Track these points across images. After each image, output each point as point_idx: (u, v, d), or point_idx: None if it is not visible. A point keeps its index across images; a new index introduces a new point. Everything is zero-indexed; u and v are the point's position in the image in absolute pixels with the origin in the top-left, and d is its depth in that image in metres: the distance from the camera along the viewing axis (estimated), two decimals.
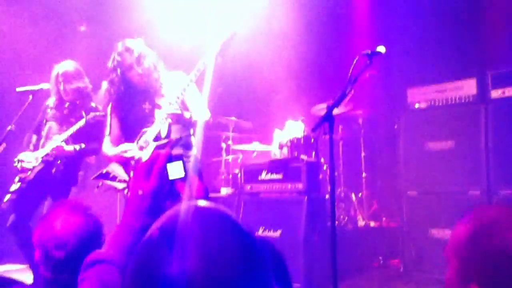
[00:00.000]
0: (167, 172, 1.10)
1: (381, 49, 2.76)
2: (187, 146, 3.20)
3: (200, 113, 3.21)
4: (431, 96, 4.20)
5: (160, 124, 3.05)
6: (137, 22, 5.94)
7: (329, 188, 4.32)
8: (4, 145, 3.66)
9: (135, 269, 0.68)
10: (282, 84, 6.16)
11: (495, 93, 3.82)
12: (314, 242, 3.89)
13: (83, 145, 3.67)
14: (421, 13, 5.27)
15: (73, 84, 3.71)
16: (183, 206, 0.73)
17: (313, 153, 4.63)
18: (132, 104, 3.20)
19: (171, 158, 1.10)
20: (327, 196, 4.31)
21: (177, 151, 3.01)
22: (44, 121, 3.81)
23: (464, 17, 5.02)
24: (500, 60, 4.28)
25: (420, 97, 4.27)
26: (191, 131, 3.18)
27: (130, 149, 3.07)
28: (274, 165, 4.40)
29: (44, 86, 3.79)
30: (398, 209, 4.47)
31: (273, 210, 4.20)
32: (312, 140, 4.67)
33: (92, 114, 3.59)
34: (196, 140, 3.24)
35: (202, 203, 0.74)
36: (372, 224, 5.14)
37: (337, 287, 2.54)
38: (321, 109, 5.33)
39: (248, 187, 4.52)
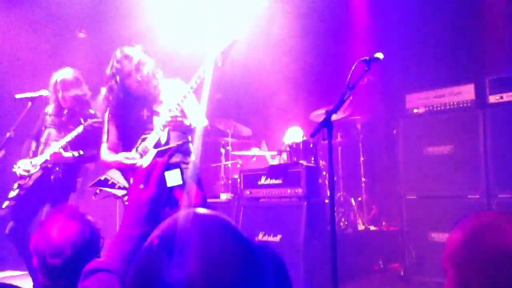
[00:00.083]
0: (165, 180, 1.10)
1: (379, 55, 2.77)
2: (186, 153, 3.21)
3: (198, 120, 3.21)
4: (430, 101, 4.21)
5: (160, 131, 3.05)
6: (136, 28, 5.96)
7: (328, 193, 4.34)
8: (3, 151, 3.67)
9: (135, 276, 0.69)
10: (281, 90, 6.18)
11: (493, 98, 3.84)
12: (314, 247, 3.89)
13: (81, 152, 3.67)
14: (419, 19, 5.29)
15: (71, 91, 3.72)
16: (182, 214, 0.73)
17: (312, 158, 4.64)
18: (130, 111, 3.21)
19: (169, 166, 1.11)
20: (326, 201, 4.31)
21: (175, 158, 3.01)
22: (43, 128, 3.82)
23: (462, 23, 5.04)
24: (498, 65, 4.30)
25: (418, 102, 4.28)
26: (189, 138, 3.19)
27: (131, 156, 3.07)
28: (274, 170, 4.40)
29: (43, 93, 3.80)
30: (397, 213, 4.47)
31: (273, 215, 4.21)
32: (311, 145, 4.68)
33: (90, 121, 3.60)
34: (195, 146, 3.25)
35: (201, 210, 0.75)
36: (372, 228, 5.15)
37: None
38: (319, 114, 5.35)
39: (247, 192, 4.52)
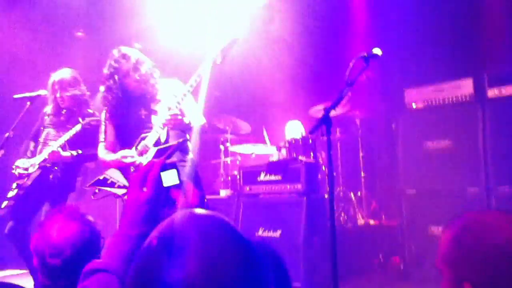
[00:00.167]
0: (162, 180, 1.11)
1: (378, 51, 2.77)
2: (185, 151, 3.22)
3: (196, 119, 3.22)
4: (429, 96, 4.21)
5: (160, 129, 3.06)
6: (135, 28, 5.96)
7: (328, 188, 4.35)
8: (2, 151, 3.67)
9: (134, 277, 0.69)
10: (280, 86, 6.18)
11: (492, 93, 3.84)
12: (314, 242, 3.91)
13: (80, 151, 3.67)
14: (418, 14, 5.28)
15: (69, 91, 3.72)
16: (181, 214, 0.74)
17: (312, 154, 4.64)
18: (128, 110, 3.21)
19: (165, 166, 1.12)
20: (326, 196, 4.32)
21: (173, 157, 3.02)
22: (42, 128, 3.82)
23: (461, 17, 5.03)
24: (496, 60, 4.30)
25: (417, 97, 4.28)
26: (187, 136, 3.19)
27: (130, 155, 3.07)
28: (273, 167, 4.41)
29: (42, 92, 3.80)
30: (397, 208, 4.48)
31: (273, 211, 4.22)
32: (310, 141, 4.69)
33: (87, 119, 3.60)
34: (192, 144, 3.26)
35: (199, 210, 0.75)
36: (371, 222, 5.16)
37: (337, 286, 2.55)
38: (318, 110, 5.36)
39: (247, 188, 4.53)
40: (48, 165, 3.66)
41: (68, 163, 3.68)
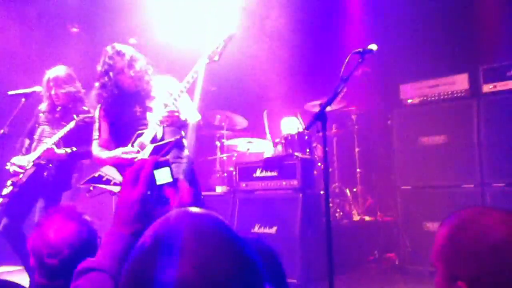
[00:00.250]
0: (155, 178, 1.10)
1: (373, 47, 2.78)
2: (181, 148, 3.21)
3: (192, 115, 3.22)
4: (424, 91, 4.22)
5: (156, 127, 3.05)
6: (131, 23, 5.92)
7: (323, 184, 4.36)
8: None
9: (128, 276, 0.69)
10: (275, 81, 6.17)
11: (487, 88, 3.85)
12: (310, 238, 3.92)
13: (74, 148, 3.66)
14: (413, 9, 5.28)
15: (64, 88, 3.71)
16: (175, 213, 0.73)
17: (307, 150, 4.65)
18: (123, 107, 3.19)
19: (158, 164, 1.11)
20: (322, 192, 4.33)
21: (169, 154, 3.02)
22: (37, 125, 3.81)
23: (456, 13, 5.04)
24: (491, 55, 4.30)
25: (412, 93, 4.29)
26: (183, 133, 3.18)
27: (128, 151, 3.06)
28: (269, 163, 4.41)
29: (37, 89, 3.78)
30: (392, 204, 4.50)
31: (269, 207, 4.22)
32: (306, 137, 4.69)
33: (82, 116, 3.58)
34: (188, 141, 3.26)
35: (194, 209, 0.75)
36: (367, 218, 5.17)
37: (332, 282, 2.56)
38: (314, 105, 5.36)
39: (243, 185, 4.54)
40: (42, 162, 3.65)
41: (62, 160, 3.66)
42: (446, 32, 5.10)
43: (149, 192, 1.09)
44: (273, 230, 4.08)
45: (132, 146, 3.08)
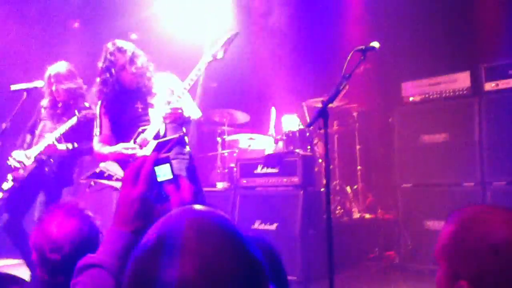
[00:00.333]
0: (155, 175, 1.10)
1: (375, 44, 2.78)
2: (183, 144, 3.22)
3: (194, 112, 3.22)
4: (425, 89, 4.21)
5: (159, 123, 3.05)
6: (133, 19, 5.92)
7: (324, 181, 4.36)
8: None
9: (131, 275, 0.69)
10: (277, 78, 6.17)
11: (489, 86, 3.84)
12: (310, 235, 3.92)
13: (76, 144, 3.66)
14: (415, 7, 5.27)
15: (65, 85, 3.70)
16: (179, 211, 0.73)
17: (308, 147, 4.65)
18: (124, 104, 3.19)
19: (158, 161, 1.11)
20: (322, 189, 4.33)
21: (171, 151, 3.02)
22: (38, 120, 3.81)
23: (458, 10, 5.02)
24: (493, 53, 4.29)
25: (414, 91, 4.28)
26: (184, 129, 3.18)
27: (130, 147, 3.05)
28: (270, 159, 4.41)
29: (38, 84, 3.77)
30: (393, 201, 4.50)
31: (269, 204, 4.23)
32: (308, 134, 4.69)
33: (83, 112, 3.58)
34: (189, 138, 3.27)
35: (198, 207, 0.74)
36: (367, 216, 5.18)
37: (333, 280, 2.57)
38: (315, 101, 5.36)
39: (244, 181, 4.54)
40: (43, 157, 3.65)
41: (64, 156, 3.66)
42: (448, 30, 5.09)
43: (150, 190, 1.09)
44: (274, 227, 4.09)
45: (135, 142, 3.09)
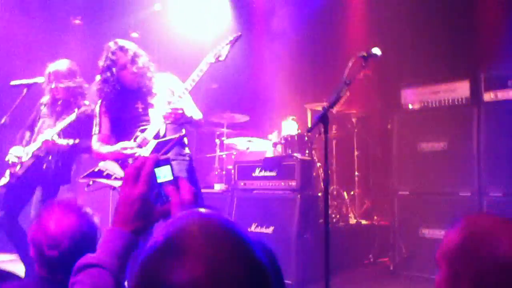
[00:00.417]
0: (155, 177, 1.11)
1: (377, 51, 2.79)
2: (183, 145, 3.22)
3: (194, 113, 3.22)
4: (425, 97, 4.23)
5: (160, 123, 3.05)
6: (133, 17, 5.92)
7: (322, 185, 4.37)
8: None
9: (139, 277, 0.69)
10: (278, 80, 6.19)
11: (488, 96, 3.86)
12: (306, 239, 3.93)
13: (77, 141, 3.65)
14: (417, 13, 5.29)
15: (64, 83, 3.70)
16: (187, 214, 0.73)
17: (307, 151, 4.66)
18: (125, 103, 3.19)
19: (159, 163, 1.12)
20: (320, 194, 4.34)
21: (171, 152, 3.03)
22: (38, 118, 3.80)
23: (459, 17, 5.05)
24: (493, 63, 4.31)
25: (413, 98, 4.30)
26: (183, 130, 3.18)
27: (130, 147, 3.05)
28: (268, 163, 4.42)
29: (39, 80, 3.77)
30: (389, 208, 4.51)
31: (267, 207, 4.23)
32: (306, 138, 4.70)
33: (83, 109, 3.57)
34: (188, 139, 3.28)
35: (206, 211, 0.75)
36: (363, 222, 5.19)
37: (329, 284, 2.57)
38: (315, 106, 5.39)
39: (241, 183, 4.54)
40: (41, 154, 3.64)
41: (63, 153, 3.64)
42: (449, 38, 5.11)
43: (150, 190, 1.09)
44: (270, 230, 4.09)
45: (135, 141, 3.09)
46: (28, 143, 3.74)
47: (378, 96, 5.67)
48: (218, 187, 5.14)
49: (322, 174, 4.53)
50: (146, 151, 3.01)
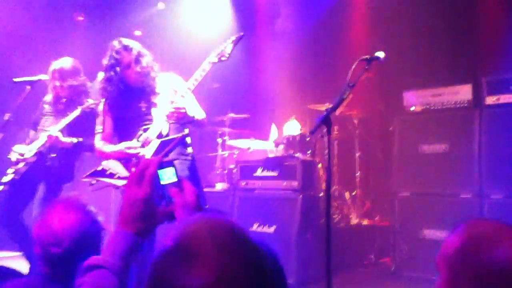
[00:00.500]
0: (159, 178, 1.12)
1: (380, 54, 2.80)
2: (185, 144, 3.23)
3: (197, 113, 3.23)
4: (427, 99, 4.24)
5: (163, 122, 3.06)
6: (137, 14, 5.92)
7: (323, 185, 4.38)
8: (1, 135, 3.65)
9: (150, 281, 0.70)
10: (280, 81, 6.19)
11: (490, 100, 3.86)
12: (307, 239, 3.94)
13: (80, 139, 3.66)
14: (419, 15, 5.30)
15: (68, 81, 3.71)
16: (196, 219, 0.74)
17: (309, 151, 4.67)
18: (128, 102, 3.19)
19: (162, 164, 1.13)
20: (321, 194, 4.36)
21: (174, 151, 3.03)
22: (41, 116, 3.81)
23: (462, 21, 5.05)
24: (496, 66, 4.32)
25: (416, 100, 4.31)
26: (186, 130, 3.19)
27: (133, 146, 3.06)
28: (270, 163, 4.43)
29: (42, 77, 3.76)
30: (390, 209, 4.52)
31: (268, 206, 4.25)
32: (308, 139, 4.71)
33: (87, 104, 3.58)
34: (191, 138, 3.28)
35: (215, 215, 0.76)
36: (364, 222, 5.19)
37: (331, 284, 2.58)
38: (317, 107, 5.39)
39: (243, 183, 4.56)
40: (44, 151, 3.65)
41: (66, 150, 3.65)
42: (451, 41, 5.11)
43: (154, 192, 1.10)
44: (271, 229, 4.11)
45: (137, 141, 3.09)
46: (31, 141, 3.75)
47: (380, 98, 5.68)
48: (219, 186, 5.15)
49: (324, 175, 4.54)
50: (149, 151, 3.02)
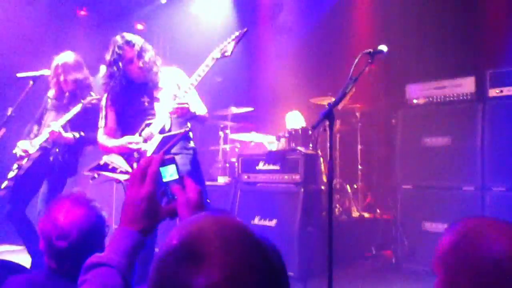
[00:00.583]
0: (161, 176, 1.12)
1: (383, 48, 2.79)
2: (187, 139, 3.24)
3: (199, 108, 3.24)
4: (430, 92, 4.23)
5: (165, 117, 3.07)
6: (139, 9, 5.90)
7: (325, 178, 4.39)
8: (3, 130, 3.66)
9: (156, 280, 0.70)
10: (283, 75, 6.18)
11: (493, 92, 3.85)
12: (309, 233, 3.95)
13: (82, 133, 3.67)
14: (423, 9, 5.27)
15: (72, 75, 3.71)
16: (202, 218, 0.74)
17: (311, 145, 4.67)
18: (131, 97, 3.20)
19: (164, 162, 1.13)
20: (323, 187, 4.36)
21: (176, 146, 3.04)
22: (45, 111, 3.82)
23: (466, 14, 5.03)
24: (499, 58, 4.30)
25: (418, 93, 4.30)
26: (189, 124, 3.19)
27: (136, 141, 3.07)
28: (272, 156, 4.44)
29: (45, 72, 3.76)
30: (392, 202, 4.53)
31: (270, 200, 4.26)
32: (310, 132, 4.71)
33: (88, 99, 3.58)
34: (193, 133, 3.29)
35: (221, 214, 0.75)
36: (366, 215, 5.21)
37: (332, 277, 2.59)
38: (320, 101, 5.39)
39: (245, 176, 4.57)
40: (48, 146, 3.66)
41: (69, 145, 3.67)
42: (455, 34, 5.09)
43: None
44: (273, 223, 4.12)
45: (140, 135, 3.10)
46: (36, 136, 3.76)
47: (383, 91, 5.67)
48: (221, 179, 5.16)
49: (325, 168, 4.55)
50: (151, 146, 3.03)
